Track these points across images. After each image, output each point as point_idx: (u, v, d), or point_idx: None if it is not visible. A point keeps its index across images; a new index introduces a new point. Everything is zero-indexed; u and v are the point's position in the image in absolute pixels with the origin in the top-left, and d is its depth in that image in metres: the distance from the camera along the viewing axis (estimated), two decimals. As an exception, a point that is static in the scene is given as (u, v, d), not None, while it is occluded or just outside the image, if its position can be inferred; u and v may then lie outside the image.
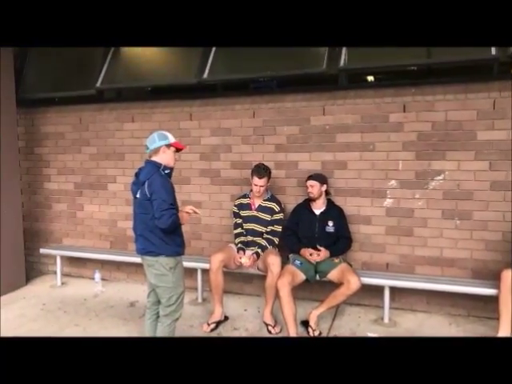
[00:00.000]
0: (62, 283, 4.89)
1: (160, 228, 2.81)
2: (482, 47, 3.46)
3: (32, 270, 5.20)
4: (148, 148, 2.94)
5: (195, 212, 3.03)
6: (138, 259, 3.17)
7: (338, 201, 3.96)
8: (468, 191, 3.67)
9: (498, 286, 3.20)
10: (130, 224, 3.17)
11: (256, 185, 3.87)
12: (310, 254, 3.62)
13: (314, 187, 3.74)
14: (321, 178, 3.79)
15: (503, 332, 3.13)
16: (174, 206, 2.85)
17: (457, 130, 3.65)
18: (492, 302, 3.47)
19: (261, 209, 3.95)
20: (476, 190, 3.65)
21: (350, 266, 3.74)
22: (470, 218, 3.69)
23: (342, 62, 3.91)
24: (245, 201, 4.04)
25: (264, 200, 3.97)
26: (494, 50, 3.47)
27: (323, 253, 3.64)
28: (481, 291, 3.42)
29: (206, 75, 4.33)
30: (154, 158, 2.93)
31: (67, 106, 5.04)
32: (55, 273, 4.93)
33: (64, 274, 5.01)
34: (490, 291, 3.35)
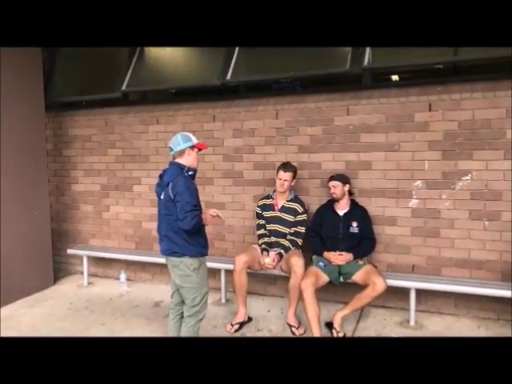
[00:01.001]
0: (89, 283, 4.99)
1: (183, 229, 2.83)
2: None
3: (60, 270, 5.31)
4: (172, 150, 2.97)
5: (219, 216, 3.05)
6: (162, 260, 3.20)
7: (363, 201, 3.91)
8: (497, 191, 3.58)
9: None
10: (154, 225, 3.21)
11: (281, 179, 3.86)
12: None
13: (337, 187, 3.71)
14: (343, 178, 3.76)
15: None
16: (197, 207, 2.87)
17: (485, 129, 3.57)
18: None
19: (284, 209, 3.94)
20: (505, 191, 3.55)
21: (375, 267, 3.69)
22: (498, 218, 3.59)
23: (365, 62, 3.87)
24: (268, 201, 4.03)
25: (287, 201, 3.95)
26: (523, 47, 3.37)
27: (345, 256, 3.62)
28: (510, 294, 3.32)
29: (229, 77, 4.35)
30: (179, 160, 2.96)
31: (94, 109, 5.15)
32: (82, 273, 5.03)
33: (90, 274, 5.11)
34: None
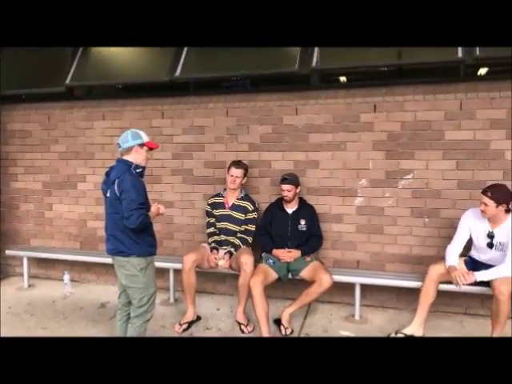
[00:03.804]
0: (30, 285, 4.76)
1: (129, 228, 2.77)
2: (450, 50, 3.55)
3: (-2, 271, 5.04)
4: (120, 146, 2.89)
5: (160, 213, 3.00)
6: (108, 260, 3.11)
7: (311, 200, 3.99)
8: (436, 190, 3.76)
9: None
10: (100, 224, 3.13)
11: (232, 175, 3.86)
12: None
13: (291, 191, 3.74)
14: (296, 181, 3.78)
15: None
16: (143, 205, 2.81)
17: (425, 130, 3.74)
18: (458, 298, 3.61)
19: (234, 208, 3.94)
20: (444, 189, 3.74)
21: (322, 264, 3.78)
22: (437, 216, 3.78)
23: (314, 63, 3.94)
24: (218, 200, 4.02)
25: (238, 199, 3.96)
26: (460, 53, 3.56)
27: (294, 253, 3.68)
28: (445, 287, 3.44)
29: (178, 73, 4.28)
30: (126, 157, 2.88)
31: (35, 103, 4.91)
32: (22, 275, 4.80)
33: (32, 276, 4.88)
34: (450, 287, 3.36)
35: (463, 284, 3.17)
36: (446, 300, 3.75)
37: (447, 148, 3.70)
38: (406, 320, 3.53)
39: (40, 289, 4.72)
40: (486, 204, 3.13)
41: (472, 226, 3.33)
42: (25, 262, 4.73)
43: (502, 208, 3.13)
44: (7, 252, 4.81)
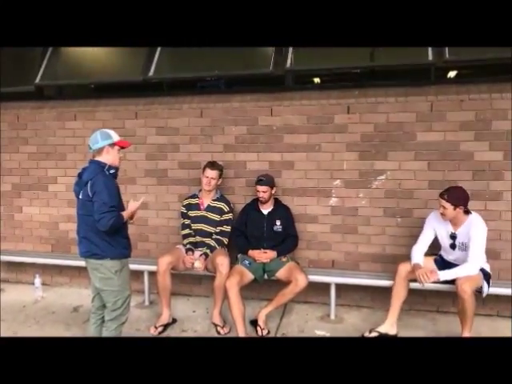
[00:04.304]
0: (-1, 290, 4.64)
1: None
2: (421, 52, 3.63)
3: (-35, 276, 4.88)
4: (91, 148, 2.84)
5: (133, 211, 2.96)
6: (81, 262, 3.06)
7: (286, 200, 4.01)
8: (408, 190, 3.83)
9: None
10: (72, 226, 3.07)
11: (207, 177, 3.84)
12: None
13: (266, 192, 3.75)
14: (271, 183, 3.79)
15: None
16: (115, 207, 2.76)
17: (398, 132, 3.80)
18: (431, 297, 3.69)
19: (210, 209, 3.93)
20: (416, 189, 3.82)
21: (298, 264, 3.80)
22: (410, 215, 3.85)
23: (288, 64, 3.96)
24: (193, 201, 4.00)
25: (213, 200, 3.95)
26: (430, 55, 3.64)
27: (269, 254, 3.70)
28: (415, 285, 3.48)
29: (151, 73, 4.23)
30: (98, 158, 2.84)
31: (3, 102, 4.77)
32: (-9, 279, 4.66)
33: (1, 280, 4.74)
34: (417, 285, 3.40)
35: (426, 282, 3.22)
36: (419, 299, 3.83)
37: (419, 149, 3.77)
38: (381, 319, 3.58)
39: (10, 293, 4.59)
40: (444, 207, 3.21)
41: (436, 227, 3.42)
42: (-7, 266, 4.60)
43: (459, 210, 3.21)
44: (-25, 256, 4.66)
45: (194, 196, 4.03)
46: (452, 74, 4.44)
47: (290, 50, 3.97)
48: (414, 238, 3.74)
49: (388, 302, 3.49)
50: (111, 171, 2.84)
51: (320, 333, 3.62)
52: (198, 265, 3.70)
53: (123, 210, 2.91)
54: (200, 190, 4.01)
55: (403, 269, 3.40)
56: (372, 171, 3.89)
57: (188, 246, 3.86)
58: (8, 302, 4.34)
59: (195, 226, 3.95)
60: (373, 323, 3.62)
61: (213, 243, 3.84)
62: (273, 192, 3.82)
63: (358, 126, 3.89)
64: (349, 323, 3.77)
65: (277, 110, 4.06)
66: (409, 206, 3.85)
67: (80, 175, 2.89)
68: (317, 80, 4.84)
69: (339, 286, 3.89)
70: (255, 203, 3.88)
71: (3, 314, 4.03)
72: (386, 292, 3.63)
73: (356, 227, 3.98)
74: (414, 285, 3.39)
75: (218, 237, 3.87)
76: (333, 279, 3.81)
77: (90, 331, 3.02)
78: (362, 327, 3.63)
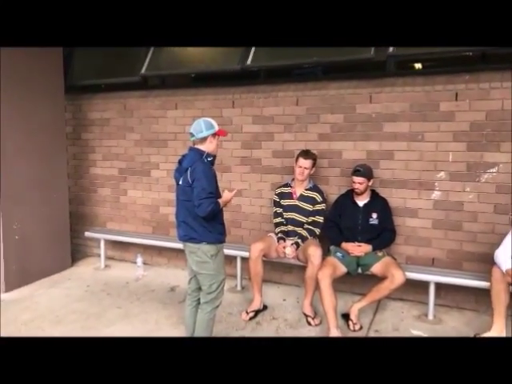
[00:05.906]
0: (106, 266, 5.02)
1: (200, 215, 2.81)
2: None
3: (77, 252, 5.36)
4: (193, 136, 2.91)
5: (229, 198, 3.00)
6: (179, 245, 3.18)
7: (384, 192, 3.83)
8: (524, 185, 3.47)
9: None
10: (171, 210, 3.20)
11: (301, 166, 3.80)
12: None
13: (362, 184, 3.60)
14: (369, 174, 3.63)
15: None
16: (213, 194, 2.83)
17: (513, 120, 3.44)
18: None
19: (302, 198, 3.88)
20: (533, 185, 3.44)
21: (394, 259, 3.62)
22: (525, 213, 3.49)
23: (390, 48, 3.75)
24: (286, 190, 3.98)
25: (306, 189, 3.89)
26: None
27: (364, 247, 3.56)
28: None
29: (249, 61, 4.27)
30: (199, 146, 2.91)
31: (113, 92, 5.12)
32: (99, 256, 5.07)
33: (107, 257, 5.14)
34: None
35: None
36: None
37: (539, 139, 3.38)
38: (487, 324, 3.29)
39: (115, 270, 4.96)
40: None
41: None
42: (102, 244, 4.99)
43: None
44: (86, 234, 5.10)
45: (287, 185, 4.01)
46: None
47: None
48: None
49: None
50: (209, 159, 2.90)
51: (416, 333, 3.43)
52: (289, 251, 3.68)
53: (220, 196, 2.97)
54: (293, 179, 3.98)
55: (496, 271, 3.13)
56: (482, 163, 3.57)
57: (279, 235, 3.86)
58: (113, 278, 4.70)
59: (287, 215, 3.93)
60: (477, 327, 3.36)
61: (304, 233, 3.79)
62: (370, 184, 3.66)
63: (466, 114, 3.58)
64: (449, 325, 3.53)
65: (376, 96, 3.88)
66: (524, 202, 3.48)
67: (180, 162, 2.99)
68: (418, 65, 4.53)
69: (439, 285, 3.64)
70: (350, 194, 3.76)
71: (109, 289, 4.37)
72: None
73: (461, 223, 3.69)
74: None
75: (310, 227, 3.81)
76: (433, 278, 3.57)
77: (186, 312, 3.14)
78: (464, 331, 3.38)
